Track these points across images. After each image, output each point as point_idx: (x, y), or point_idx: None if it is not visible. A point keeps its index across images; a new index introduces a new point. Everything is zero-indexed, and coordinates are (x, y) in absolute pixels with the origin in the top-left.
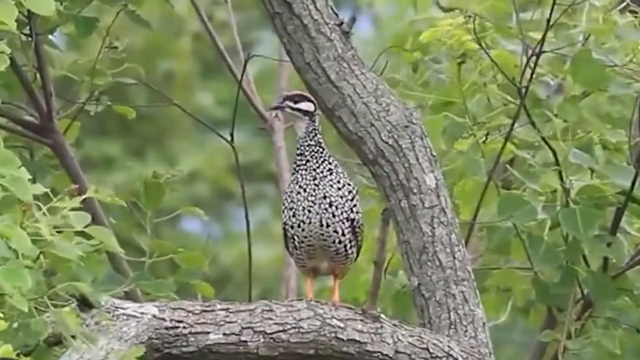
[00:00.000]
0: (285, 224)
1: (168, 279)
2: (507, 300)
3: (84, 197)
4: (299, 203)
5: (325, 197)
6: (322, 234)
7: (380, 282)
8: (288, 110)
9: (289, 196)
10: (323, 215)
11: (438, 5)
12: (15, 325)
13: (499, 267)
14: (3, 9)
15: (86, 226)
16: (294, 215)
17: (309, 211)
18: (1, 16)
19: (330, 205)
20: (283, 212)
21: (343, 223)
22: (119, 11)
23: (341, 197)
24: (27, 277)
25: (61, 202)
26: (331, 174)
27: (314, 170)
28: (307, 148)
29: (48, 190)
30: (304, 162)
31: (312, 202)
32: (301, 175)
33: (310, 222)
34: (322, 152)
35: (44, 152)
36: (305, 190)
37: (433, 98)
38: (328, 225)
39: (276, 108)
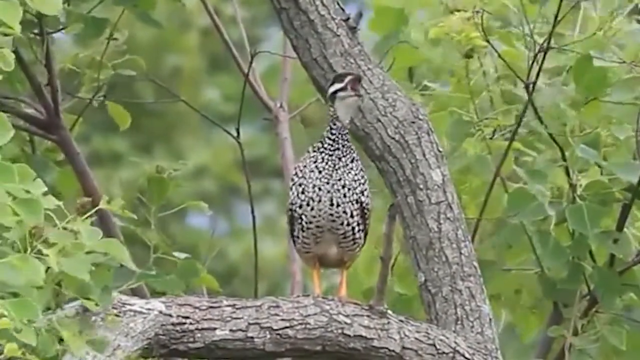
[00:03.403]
0: (292, 203)
1: (171, 274)
2: (517, 301)
3: (95, 209)
4: (310, 180)
5: (339, 179)
6: (332, 214)
7: (387, 278)
8: (360, 92)
9: (301, 171)
10: (334, 194)
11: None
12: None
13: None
14: (7, 10)
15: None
16: (302, 192)
17: (320, 189)
18: (6, 18)
19: (343, 187)
20: (291, 189)
21: (352, 204)
22: (124, 9)
23: (354, 181)
24: (38, 310)
25: (73, 222)
26: (352, 161)
27: (339, 159)
28: (343, 137)
29: (61, 204)
30: (332, 148)
31: (326, 182)
32: (322, 157)
33: (320, 201)
34: (350, 144)
35: (45, 146)
36: (320, 172)
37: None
38: (338, 205)
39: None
